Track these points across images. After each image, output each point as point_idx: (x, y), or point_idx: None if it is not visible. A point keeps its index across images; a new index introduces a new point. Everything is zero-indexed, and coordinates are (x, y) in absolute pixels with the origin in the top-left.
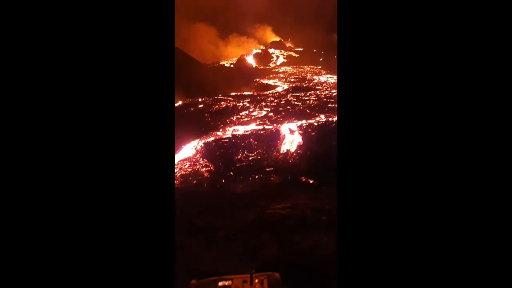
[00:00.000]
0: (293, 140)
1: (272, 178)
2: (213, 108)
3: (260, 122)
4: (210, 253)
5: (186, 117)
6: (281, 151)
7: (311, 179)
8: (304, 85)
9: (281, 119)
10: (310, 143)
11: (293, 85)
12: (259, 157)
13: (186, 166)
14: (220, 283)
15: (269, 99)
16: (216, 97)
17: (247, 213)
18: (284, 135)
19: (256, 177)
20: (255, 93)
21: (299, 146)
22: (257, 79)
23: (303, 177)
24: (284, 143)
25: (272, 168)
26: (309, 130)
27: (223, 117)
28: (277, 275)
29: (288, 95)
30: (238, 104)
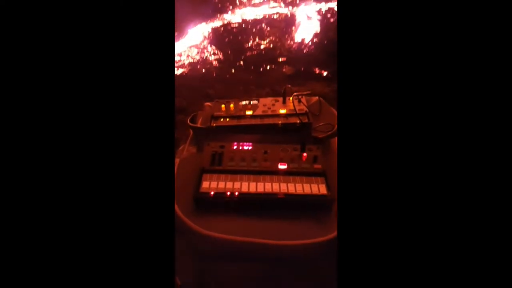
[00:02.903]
0: (309, 27)
1: (284, 70)
2: None
3: (274, 5)
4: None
5: None
6: (296, 40)
7: (325, 71)
8: None
9: (298, 1)
10: (328, 31)
11: None
12: (271, 45)
13: (194, 54)
14: (243, 102)
15: None
16: None
17: (260, 91)
18: (299, 21)
19: (268, 68)
20: None
21: (315, 34)
22: None
23: (317, 68)
24: (299, 31)
25: (285, 58)
26: (329, 15)
27: None
28: (320, 97)
29: None
30: None
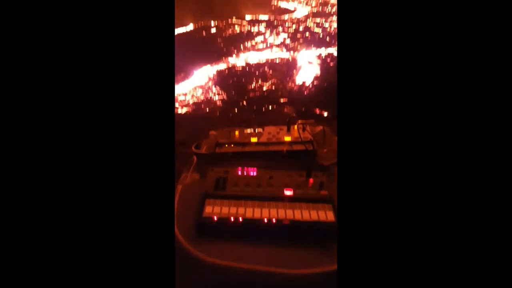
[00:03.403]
0: (310, 71)
1: (285, 110)
2: (226, 32)
3: (276, 50)
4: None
5: (197, 42)
6: (297, 82)
7: (326, 111)
8: (326, 11)
9: (299, 47)
10: (328, 75)
11: (314, 10)
12: (273, 87)
13: (198, 94)
14: (248, 130)
15: (286, 24)
16: (229, 21)
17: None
18: (300, 65)
19: (270, 108)
20: (272, 18)
21: (316, 77)
22: (275, 2)
23: (317, 109)
24: (300, 74)
25: (286, 99)
26: (328, 60)
27: (237, 42)
28: (327, 113)
29: (308, 21)
30: (253, 29)
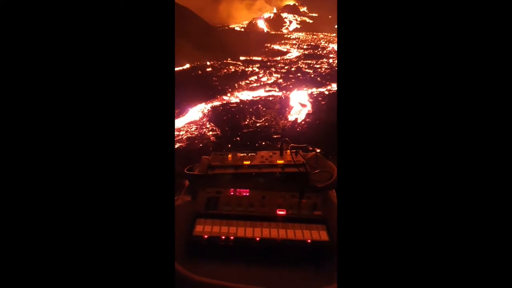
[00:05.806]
0: (302, 108)
1: (278, 146)
2: (221, 72)
3: (270, 89)
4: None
5: (193, 80)
6: (289, 119)
7: (318, 148)
8: (317, 53)
9: (291, 87)
10: (320, 112)
11: (305, 52)
12: (266, 124)
13: (192, 129)
14: (240, 154)
15: (279, 65)
16: (224, 61)
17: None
18: (293, 103)
19: (263, 143)
20: (265, 59)
21: (308, 115)
22: (268, 45)
23: (310, 146)
24: (293, 112)
25: (279, 136)
26: (319, 98)
27: (231, 81)
28: (317, 149)
29: (300, 62)
30: (247, 69)
